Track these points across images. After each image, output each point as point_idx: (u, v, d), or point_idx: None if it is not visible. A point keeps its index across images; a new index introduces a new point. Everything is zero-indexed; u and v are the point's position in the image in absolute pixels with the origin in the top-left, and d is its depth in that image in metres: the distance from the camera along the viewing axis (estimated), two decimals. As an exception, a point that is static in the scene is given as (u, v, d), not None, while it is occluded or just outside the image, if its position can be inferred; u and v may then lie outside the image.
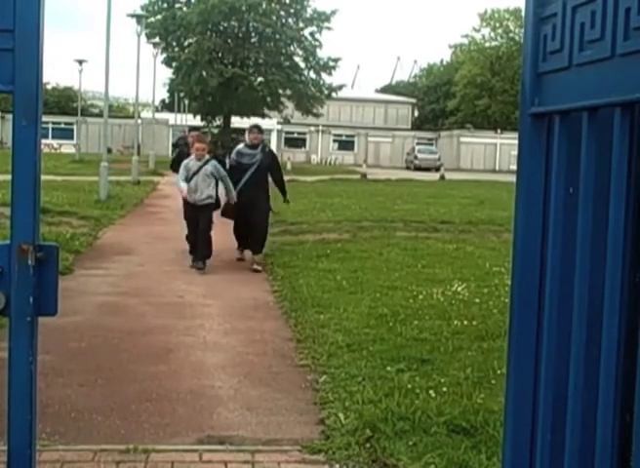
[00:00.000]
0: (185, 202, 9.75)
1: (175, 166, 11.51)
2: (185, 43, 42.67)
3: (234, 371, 5.36)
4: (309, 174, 32.98)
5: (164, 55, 42.97)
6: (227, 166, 10.31)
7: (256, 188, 9.78)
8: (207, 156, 9.69)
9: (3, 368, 2.00)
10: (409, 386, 4.82)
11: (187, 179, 9.46)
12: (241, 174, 9.88)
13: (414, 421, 4.20)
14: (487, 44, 58.37)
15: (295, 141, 59.19)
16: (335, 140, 60.13)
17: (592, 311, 1.67)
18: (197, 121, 45.49)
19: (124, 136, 53.61)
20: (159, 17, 42.29)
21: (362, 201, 19.67)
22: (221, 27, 41.99)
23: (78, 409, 4.43)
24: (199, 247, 9.58)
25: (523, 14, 1.95)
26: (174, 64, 42.92)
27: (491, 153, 55.36)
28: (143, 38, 38.86)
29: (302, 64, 43.65)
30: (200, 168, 9.45)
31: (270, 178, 10.27)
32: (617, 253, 1.59)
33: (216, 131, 45.86)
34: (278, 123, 52.33)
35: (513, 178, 2.02)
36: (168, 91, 50.55)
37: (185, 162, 9.70)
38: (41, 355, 2.05)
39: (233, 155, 10.17)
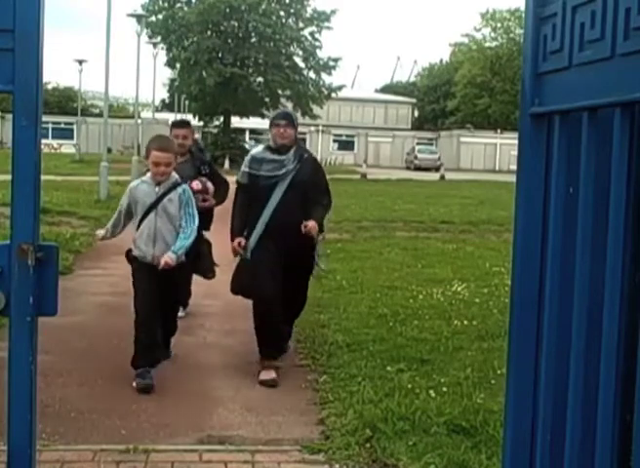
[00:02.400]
0: (133, 260, 5.13)
1: None
2: (186, 43, 42.69)
3: (234, 371, 5.36)
4: (309, 174, 32.93)
5: (167, 56, 43.06)
6: (240, 174, 5.55)
7: (291, 225, 5.11)
8: (174, 177, 5.01)
9: (3, 368, 2.00)
10: (409, 386, 4.81)
11: (139, 220, 5.01)
12: (261, 199, 5.27)
13: (414, 421, 4.20)
14: (487, 44, 58.41)
15: (295, 141, 59.10)
16: (335, 140, 60.07)
17: (592, 311, 1.67)
18: (196, 121, 45.47)
19: (124, 136, 53.56)
20: (160, 16, 42.31)
21: (362, 201, 19.67)
22: (222, 27, 42.00)
23: (78, 409, 4.43)
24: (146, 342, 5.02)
25: (523, 14, 1.95)
26: (177, 65, 42.97)
27: (491, 153, 55.35)
28: (144, 38, 38.97)
29: (302, 64, 43.65)
30: (160, 198, 4.93)
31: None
32: (617, 252, 1.59)
33: (215, 131, 45.90)
34: (278, 123, 52.27)
35: (513, 178, 2.02)
36: (168, 91, 50.57)
37: (132, 186, 5.16)
38: (41, 355, 2.05)
39: (244, 167, 5.45)
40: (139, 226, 5.00)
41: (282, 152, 5.34)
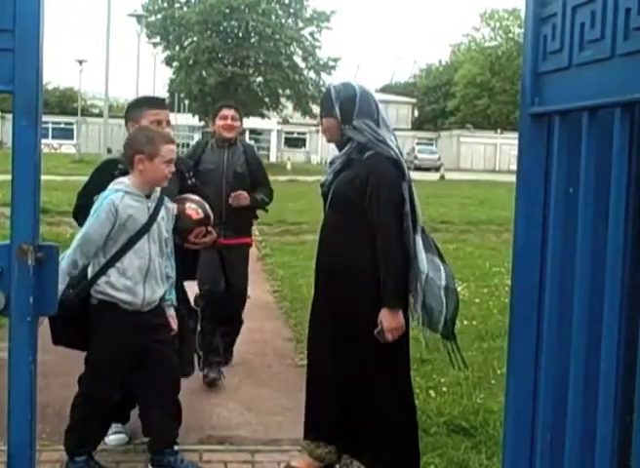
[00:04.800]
0: (106, 309, 3.38)
1: (79, 212, 3.77)
2: (185, 42, 42.78)
3: (234, 371, 5.36)
4: (309, 173, 32.98)
5: (165, 53, 43.21)
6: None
7: (334, 269, 3.38)
8: (158, 187, 3.48)
9: (3, 368, 2.00)
10: (409, 386, 4.81)
11: (121, 249, 3.37)
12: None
13: (414, 421, 4.20)
14: (487, 44, 58.50)
15: (295, 141, 59.12)
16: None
17: (592, 311, 1.68)
18: (196, 121, 45.51)
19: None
20: (159, 16, 42.41)
21: (362, 201, 19.62)
22: (221, 27, 42.06)
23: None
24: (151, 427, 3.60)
25: (523, 14, 1.95)
26: (174, 64, 43.06)
27: (491, 153, 55.37)
28: (144, 38, 39.08)
29: (302, 64, 43.71)
30: (154, 217, 3.44)
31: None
32: (617, 252, 1.59)
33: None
34: (278, 123, 52.35)
35: (513, 178, 2.02)
36: (168, 91, 50.64)
37: (115, 199, 3.33)
38: (41, 355, 2.05)
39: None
40: (117, 258, 3.36)
41: (341, 150, 3.50)
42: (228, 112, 5.01)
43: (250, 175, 4.99)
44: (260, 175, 5.10)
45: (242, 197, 4.89)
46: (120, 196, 3.35)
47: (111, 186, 3.42)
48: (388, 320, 3.23)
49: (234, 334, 5.29)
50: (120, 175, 3.59)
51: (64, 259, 3.24)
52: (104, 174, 3.73)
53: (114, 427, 3.87)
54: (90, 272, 3.42)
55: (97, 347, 3.44)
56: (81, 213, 3.68)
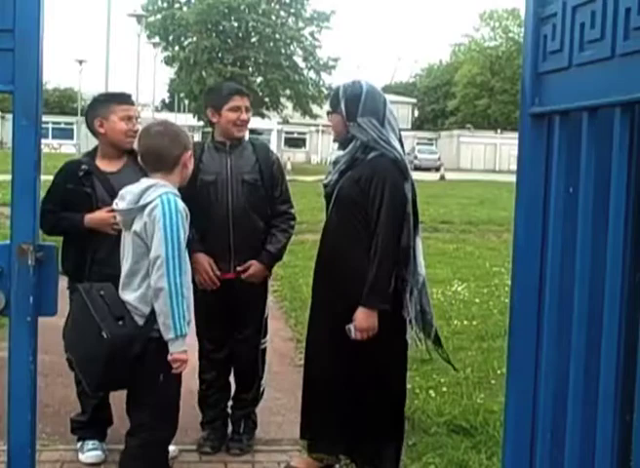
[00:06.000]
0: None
1: (45, 218, 3.06)
2: (185, 42, 42.79)
3: (234, 371, 5.35)
4: (309, 174, 32.96)
5: (162, 52, 43.21)
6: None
7: (334, 275, 3.36)
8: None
9: (3, 368, 2.00)
10: (409, 386, 4.80)
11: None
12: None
13: (414, 421, 4.20)
14: (486, 44, 58.55)
15: (295, 141, 59.13)
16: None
17: (592, 311, 1.68)
18: (195, 121, 45.54)
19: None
20: (159, 16, 42.42)
21: (362, 201, 19.59)
22: (221, 27, 42.06)
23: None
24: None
25: (523, 14, 1.95)
26: (174, 64, 43.08)
27: (491, 153, 55.38)
28: (144, 38, 39.08)
29: (302, 64, 43.70)
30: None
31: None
32: (617, 252, 1.59)
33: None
34: (278, 123, 52.33)
35: (513, 178, 2.02)
36: (168, 91, 50.68)
37: (182, 205, 2.80)
38: (41, 355, 2.05)
39: None
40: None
41: (345, 148, 3.43)
42: (241, 102, 3.74)
43: (264, 187, 3.74)
44: (281, 187, 3.83)
45: (254, 268, 3.71)
46: (178, 199, 2.82)
47: (160, 188, 2.79)
48: (363, 319, 3.20)
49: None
50: (85, 175, 3.55)
51: (174, 295, 2.68)
52: (69, 176, 3.60)
53: (91, 444, 3.72)
54: (136, 298, 2.77)
55: (166, 386, 2.87)
56: (47, 219, 3.32)
